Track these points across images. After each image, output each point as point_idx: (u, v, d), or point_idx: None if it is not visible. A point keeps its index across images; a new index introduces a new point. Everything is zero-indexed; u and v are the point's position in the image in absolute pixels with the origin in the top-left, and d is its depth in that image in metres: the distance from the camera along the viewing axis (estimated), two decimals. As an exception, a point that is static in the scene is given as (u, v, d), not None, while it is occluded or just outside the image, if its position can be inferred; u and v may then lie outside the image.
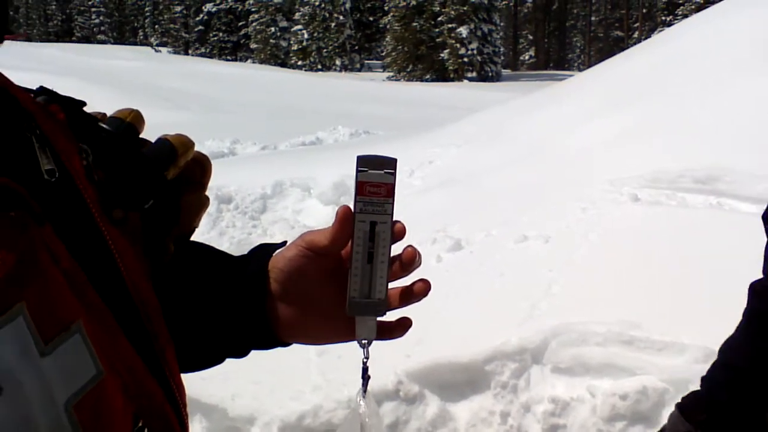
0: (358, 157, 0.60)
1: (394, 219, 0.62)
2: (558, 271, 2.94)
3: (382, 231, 0.61)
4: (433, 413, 2.55)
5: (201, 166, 0.67)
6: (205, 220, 5.48)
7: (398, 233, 0.63)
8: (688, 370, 2.27)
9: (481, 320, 2.78)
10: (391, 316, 0.66)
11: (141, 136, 0.64)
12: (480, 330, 2.70)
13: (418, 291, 0.65)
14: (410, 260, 0.63)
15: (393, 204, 0.61)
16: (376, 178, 0.61)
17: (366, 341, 0.65)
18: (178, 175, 0.64)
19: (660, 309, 2.53)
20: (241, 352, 0.69)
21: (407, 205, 4.49)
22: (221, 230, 5.38)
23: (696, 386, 2.24)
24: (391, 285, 0.64)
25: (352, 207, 0.62)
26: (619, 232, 3.12)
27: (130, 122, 0.61)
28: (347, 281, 0.63)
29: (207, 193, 0.70)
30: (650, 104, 4.19)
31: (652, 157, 3.55)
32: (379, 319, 0.64)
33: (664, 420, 2.27)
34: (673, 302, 2.55)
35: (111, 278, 0.45)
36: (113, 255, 0.46)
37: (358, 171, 0.61)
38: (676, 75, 4.42)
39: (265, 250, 0.70)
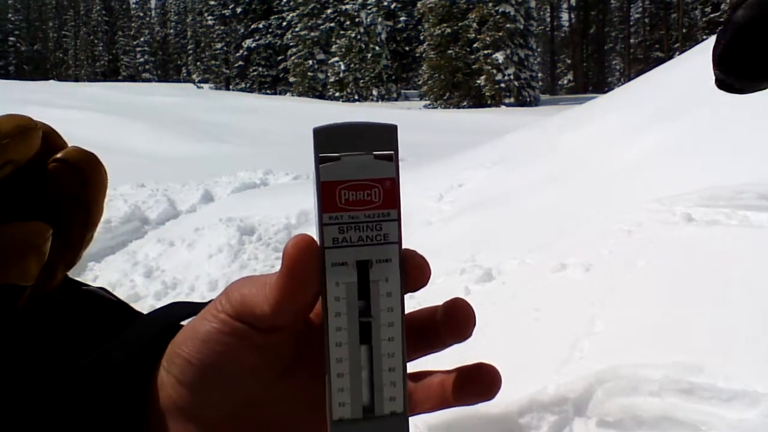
0: (316, 131, 0.32)
1: (404, 247, 0.34)
2: (601, 305, 2.57)
3: (384, 277, 0.33)
4: (460, 473, 2.23)
5: (79, 174, 0.40)
6: (225, 253, 5.29)
7: (417, 276, 0.34)
8: (763, 425, 1.88)
9: (515, 363, 2.43)
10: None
11: None
12: (513, 375, 2.34)
13: (491, 379, 0.36)
14: (464, 321, 0.35)
15: (400, 220, 0.33)
16: (358, 170, 0.32)
17: None
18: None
19: (726, 349, 2.15)
20: None
21: (434, 233, 4.17)
22: (242, 263, 5.14)
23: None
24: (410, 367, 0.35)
25: (315, 235, 0.33)
26: (672, 257, 2.73)
27: None
28: (324, 378, 0.34)
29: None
30: (701, 114, 3.81)
31: (707, 172, 3.16)
32: None
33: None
34: (742, 341, 2.16)
35: None
36: None
37: (318, 160, 0.32)
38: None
39: (170, 315, 0.39)
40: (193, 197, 7.91)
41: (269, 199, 6.62)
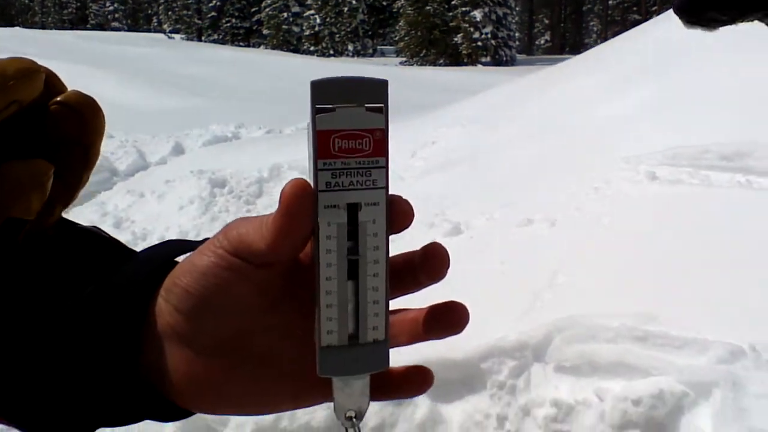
0: (314, 84, 0.34)
1: (391, 194, 0.37)
2: (564, 259, 2.65)
3: (371, 219, 0.36)
4: (423, 415, 2.31)
5: (79, 117, 0.41)
6: (196, 205, 5.27)
7: (401, 219, 0.37)
8: (711, 370, 1.98)
9: (479, 313, 2.48)
10: (394, 358, 0.38)
11: None
12: (477, 324, 2.40)
13: (459, 315, 0.39)
14: (439, 263, 0.38)
15: (387, 167, 0.36)
16: (352, 121, 0.35)
17: (353, 413, 0.39)
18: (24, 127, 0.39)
19: (680, 300, 2.24)
20: (102, 423, 0.41)
21: (406, 188, 4.21)
22: (213, 215, 5.13)
23: (721, 389, 1.96)
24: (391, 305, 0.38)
25: (310, 180, 0.35)
26: (635, 214, 2.81)
27: None
28: (313, 315, 0.37)
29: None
30: (670, 77, 3.88)
31: (672, 133, 3.23)
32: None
33: (682, 429, 2.00)
34: (695, 293, 2.26)
35: None
36: None
37: (315, 111, 0.34)
38: (697, 45, 4.08)
39: (166, 252, 0.42)
40: (164, 149, 7.82)
41: (241, 152, 6.58)
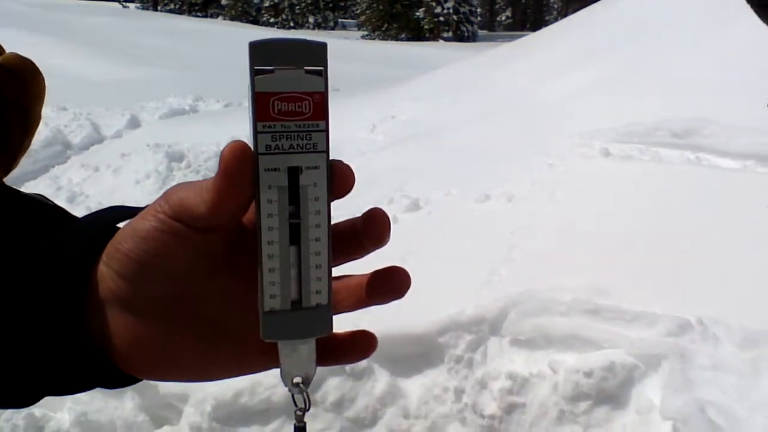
0: (252, 45, 0.34)
1: (332, 158, 0.36)
2: (520, 233, 2.69)
3: (312, 183, 0.36)
4: (382, 389, 2.33)
5: (17, 79, 0.40)
6: (153, 179, 5.18)
7: (342, 182, 0.37)
8: (660, 343, 2.04)
9: (437, 287, 2.53)
10: (337, 324, 0.38)
11: None
12: (434, 298, 2.45)
13: (400, 280, 0.39)
14: (381, 228, 0.38)
15: (328, 131, 0.36)
16: (291, 84, 0.34)
17: (300, 380, 0.39)
18: None
19: (631, 275, 2.29)
20: (48, 391, 0.40)
21: (366, 163, 4.20)
22: (171, 190, 5.02)
23: (670, 362, 2.02)
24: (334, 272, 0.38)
25: (250, 143, 0.35)
26: (588, 189, 2.86)
27: None
28: (256, 279, 0.37)
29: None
30: (624, 54, 3.92)
31: (625, 110, 3.28)
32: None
33: (632, 399, 2.06)
34: (646, 267, 2.31)
35: None
36: None
37: (253, 73, 0.34)
38: (652, 24, 4.14)
39: (107, 218, 0.41)
40: (119, 122, 7.62)
41: (199, 125, 6.46)
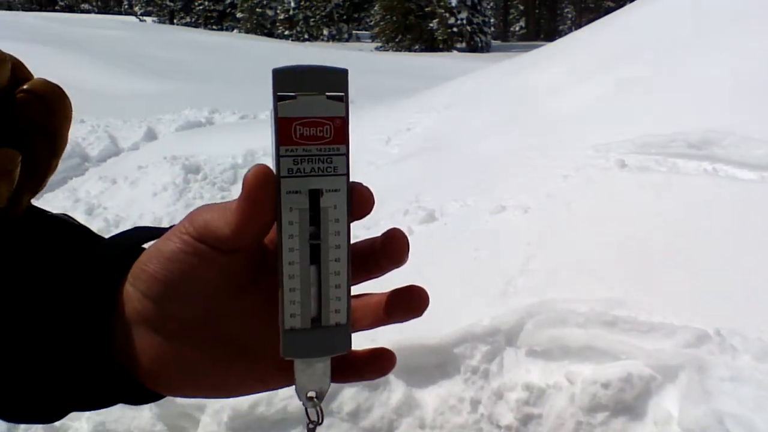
0: (275, 72, 0.35)
1: (352, 181, 0.37)
2: (536, 245, 2.68)
3: (332, 205, 0.37)
4: (398, 400, 2.34)
5: (45, 104, 0.41)
6: (170, 191, 5.23)
7: (361, 204, 0.38)
8: (677, 354, 2.03)
9: (453, 298, 2.53)
10: (356, 341, 0.39)
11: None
12: (450, 309, 2.46)
13: (419, 298, 0.41)
14: (399, 248, 0.39)
15: (348, 155, 0.37)
16: (313, 109, 0.36)
17: (314, 394, 0.40)
18: None
19: (648, 286, 2.28)
20: (74, 407, 0.41)
21: (381, 175, 4.22)
22: (188, 202, 5.09)
23: (687, 373, 2.01)
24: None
25: (272, 166, 0.36)
26: (604, 201, 2.86)
27: None
28: (277, 300, 0.38)
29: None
30: (640, 64, 3.92)
31: (642, 121, 3.27)
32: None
33: (649, 410, 2.05)
34: (662, 279, 2.30)
35: None
36: None
37: (276, 99, 0.35)
38: (667, 32, 4.13)
39: (133, 239, 0.42)
40: (136, 135, 7.71)
41: (215, 138, 6.51)
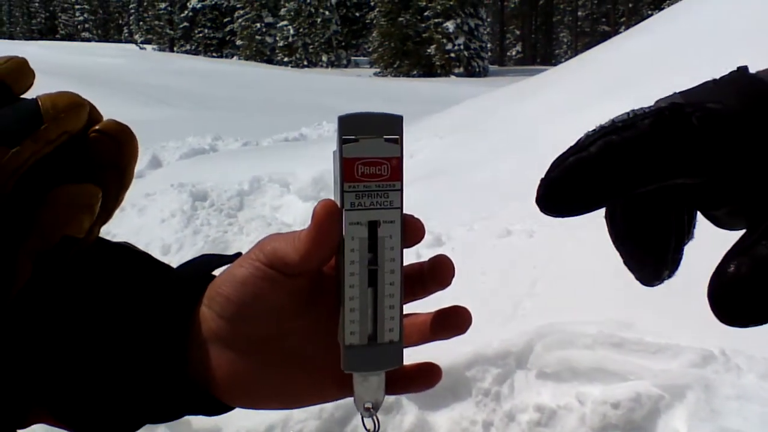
0: (341, 119, 0.40)
1: (405, 213, 0.42)
2: (543, 268, 2.74)
3: (388, 235, 0.41)
4: (411, 423, 2.37)
5: (116, 143, 0.46)
6: (178, 218, 5.29)
7: (413, 234, 0.43)
8: (684, 374, 2.08)
9: (462, 321, 2.58)
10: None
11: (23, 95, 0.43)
12: (460, 332, 2.50)
13: (463, 317, 0.46)
14: (446, 273, 0.45)
15: (402, 190, 0.41)
16: (372, 150, 0.40)
17: (370, 405, 0.45)
18: (69, 153, 0.43)
19: (654, 308, 2.33)
20: (150, 419, 0.47)
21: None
22: (195, 228, 5.16)
23: (694, 392, 2.06)
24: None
25: (336, 200, 0.41)
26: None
27: None
28: (337, 317, 0.43)
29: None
30: (642, 90, 3.99)
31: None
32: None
33: (658, 429, 2.09)
34: (668, 300, 2.36)
35: None
36: None
37: (341, 141, 0.40)
38: (668, 60, 4.23)
39: (205, 265, 0.48)
40: (140, 162, 7.76)
41: (221, 164, 6.58)
